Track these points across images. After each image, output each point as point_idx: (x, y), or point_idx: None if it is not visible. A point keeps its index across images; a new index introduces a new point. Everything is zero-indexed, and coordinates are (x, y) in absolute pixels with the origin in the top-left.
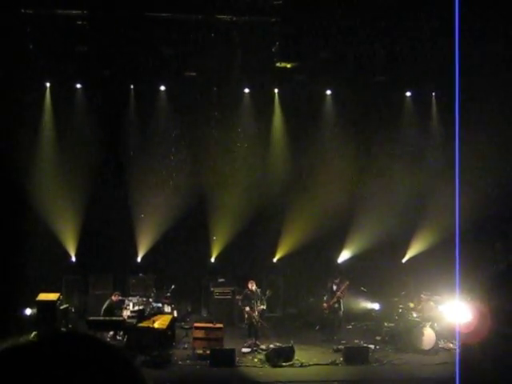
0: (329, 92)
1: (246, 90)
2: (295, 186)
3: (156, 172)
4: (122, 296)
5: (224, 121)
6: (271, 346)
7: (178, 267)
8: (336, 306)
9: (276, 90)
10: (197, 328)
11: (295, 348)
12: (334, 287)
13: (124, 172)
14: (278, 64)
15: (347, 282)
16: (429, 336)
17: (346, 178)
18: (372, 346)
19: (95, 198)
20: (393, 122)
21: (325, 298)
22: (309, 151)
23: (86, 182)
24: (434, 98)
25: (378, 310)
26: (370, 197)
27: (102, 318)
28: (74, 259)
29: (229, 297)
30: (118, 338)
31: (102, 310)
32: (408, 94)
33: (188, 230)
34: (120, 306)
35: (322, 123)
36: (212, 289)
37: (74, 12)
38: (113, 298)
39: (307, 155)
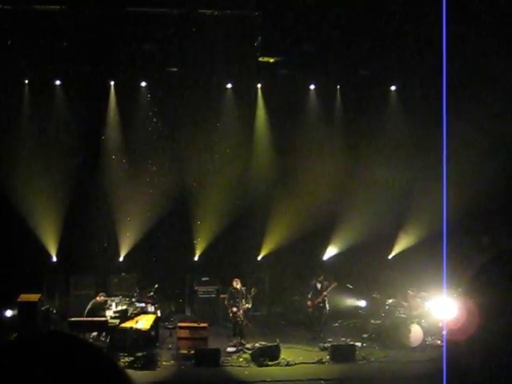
0: (312, 86)
1: (229, 86)
2: (280, 183)
3: (137, 169)
4: (105, 296)
5: (207, 117)
6: (257, 345)
7: (161, 266)
8: (321, 304)
9: (259, 85)
10: (181, 328)
11: (281, 347)
12: (319, 285)
13: (105, 169)
14: (260, 58)
15: (335, 283)
16: (416, 333)
17: (331, 174)
18: (359, 344)
19: (76, 196)
20: (377, 117)
21: (309, 296)
22: (293, 147)
23: (66, 180)
24: (419, 91)
25: (364, 308)
26: (355, 193)
27: (84, 319)
28: (54, 259)
29: (213, 295)
30: (101, 338)
31: (86, 311)
32: (393, 87)
33: (171, 228)
34: (103, 306)
35: (306, 119)
36: (196, 287)
37: (52, 7)
38: (97, 298)
39: (291, 151)
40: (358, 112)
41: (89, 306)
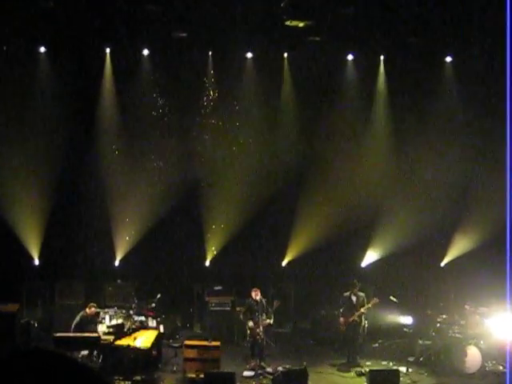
0: (350, 57)
1: (249, 55)
2: (309, 174)
3: (137, 156)
4: (97, 307)
5: (221, 93)
6: (279, 368)
7: (165, 272)
8: (357, 321)
9: (285, 55)
10: (188, 346)
11: (309, 371)
12: (354, 298)
13: (98, 155)
14: (287, 22)
15: (376, 300)
16: (473, 356)
17: (372, 163)
18: (403, 369)
19: (63, 186)
20: (428, 95)
21: (340, 311)
22: (325, 130)
23: (52, 167)
24: (479, 64)
25: (410, 325)
26: (400, 186)
27: (72, 335)
28: (36, 262)
29: (227, 308)
30: (93, 358)
31: (73, 325)
32: (448, 59)
33: (177, 228)
34: (94, 319)
35: (341, 95)
36: (207, 298)
37: None
38: (87, 310)
39: (323, 135)
40: (405, 88)
41: (77, 319)
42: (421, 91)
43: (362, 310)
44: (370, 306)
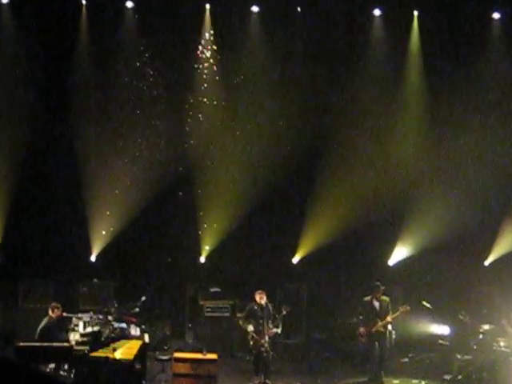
0: (378, 12)
1: (255, 9)
2: (323, 156)
3: (118, 134)
4: (67, 311)
5: (221, 52)
6: None
7: (152, 271)
8: (381, 331)
9: (299, 9)
10: (178, 360)
11: None
12: (376, 304)
13: (72, 129)
14: None
15: (406, 307)
16: None
17: (401, 142)
18: None
19: (29, 166)
20: (472, 58)
21: (360, 319)
22: (344, 103)
23: (14, 144)
24: None
25: (447, 336)
26: (436, 170)
27: (38, 344)
28: None
29: (226, 314)
30: (63, 373)
31: (38, 333)
32: (496, 15)
33: (166, 218)
34: (65, 325)
35: (365, 56)
36: (201, 302)
37: None
38: (50, 313)
39: (341, 109)
40: (443, 50)
41: (40, 326)
42: (462, 54)
43: (389, 318)
44: (398, 314)
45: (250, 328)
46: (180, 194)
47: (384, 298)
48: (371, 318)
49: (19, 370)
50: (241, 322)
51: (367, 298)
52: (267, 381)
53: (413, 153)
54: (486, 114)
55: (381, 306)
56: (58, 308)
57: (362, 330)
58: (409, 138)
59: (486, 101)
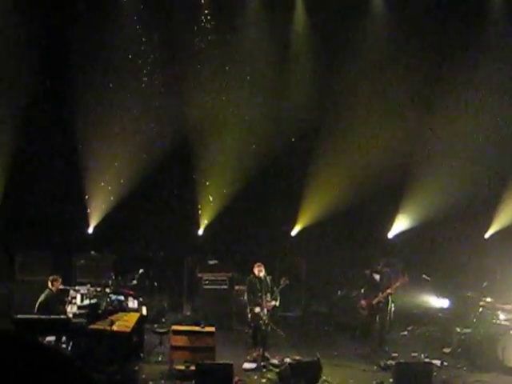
0: None
1: None
2: (324, 126)
3: (117, 102)
4: (65, 284)
5: (220, 26)
6: (287, 360)
7: (149, 242)
8: (381, 304)
9: None
10: (176, 332)
11: (322, 364)
12: (377, 277)
13: (71, 102)
14: None
15: (406, 278)
16: None
17: (400, 115)
18: (437, 362)
19: (26, 138)
20: (471, 33)
21: (361, 291)
22: (345, 71)
23: (12, 112)
24: None
25: (446, 310)
26: (437, 142)
27: (35, 317)
28: None
29: (224, 287)
30: (61, 345)
31: (37, 306)
32: None
33: (164, 189)
34: (62, 298)
35: (365, 26)
36: (200, 275)
37: None
38: (50, 286)
39: (343, 77)
40: (443, 24)
41: (41, 298)
42: (462, 28)
43: (389, 290)
44: (398, 284)
45: (257, 310)
46: (194, 176)
47: (385, 270)
48: (372, 291)
49: (20, 343)
50: (245, 297)
51: (368, 271)
52: (265, 353)
53: (414, 125)
54: (487, 87)
55: (381, 278)
56: (57, 281)
57: (362, 302)
58: (409, 110)
59: (487, 71)
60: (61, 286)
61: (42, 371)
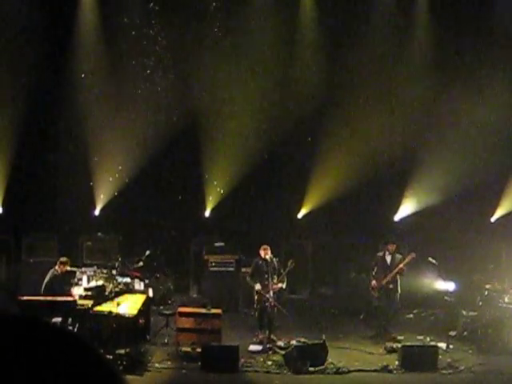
0: None
1: None
2: (332, 107)
3: (124, 87)
4: (71, 265)
5: (225, 10)
6: (293, 342)
7: (156, 224)
8: (391, 285)
9: None
10: (182, 314)
11: (328, 346)
12: (388, 258)
13: (74, 79)
14: None
15: (413, 254)
16: None
17: (409, 96)
18: (443, 345)
19: (32, 121)
20: (480, 20)
21: (373, 273)
22: (353, 53)
23: (17, 94)
24: None
25: (452, 293)
26: (444, 125)
27: (41, 298)
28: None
29: (230, 269)
30: (67, 327)
31: (43, 287)
32: None
33: (171, 169)
34: (68, 279)
35: (373, 15)
36: (206, 257)
37: None
38: (57, 268)
39: (350, 60)
40: (453, 9)
41: (46, 280)
42: (470, 13)
43: (400, 266)
44: (407, 261)
45: (258, 286)
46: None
47: (397, 255)
48: (383, 272)
49: (24, 324)
50: (248, 279)
51: (380, 253)
52: (271, 335)
53: (421, 108)
54: (493, 71)
55: (393, 260)
56: (65, 264)
57: (374, 283)
58: (417, 94)
59: (496, 57)
60: (68, 268)
61: (59, 357)
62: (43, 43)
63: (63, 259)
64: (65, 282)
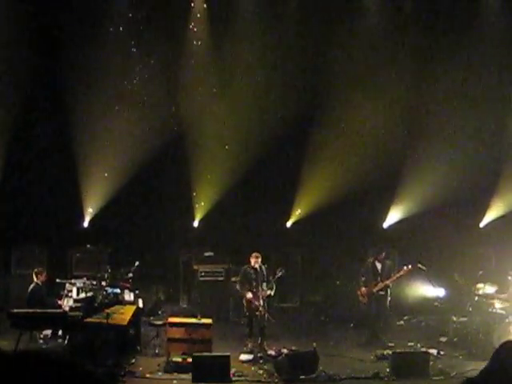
0: None
1: None
2: (318, 115)
3: (111, 94)
4: (61, 277)
5: (214, 13)
6: (284, 350)
7: (145, 235)
8: (382, 292)
9: None
10: (173, 325)
11: (319, 354)
12: (379, 265)
13: (63, 92)
14: None
15: (410, 267)
16: None
17: (396, 102)
18: (433, 351)
19: (20, 129)
20: (468, 19)
21: (362, 280)
22: (339, 60)
23: (7, 107)
24: None
25: (442, 298)
26: (432, 132)
27: (32, 311)
28: None
29: (220, 279)
30: (57, 339)
31: (26, 300)
32: None
33: (160, 180)
34: (52, 290)
35: (360, 14)
36: (195, 267)
37: None
38: (35, 279)
39: (336, 66)
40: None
41: (28, 292)
42: (458, 14)
43: (393, 277)
44: (402, 273)
45: (249, 295)
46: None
47: (387, 262)
48: (373, 279)
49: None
50: (238, 287)
51: (370, 260)
52: (262, 344)
53: (408, 115)
54: (482, 72)
55: (383, 267)
56: (41, 273)
57: (363, 289)
58: (403, 101)
59: (483, 56)
60: (57, 280)
61: None
62: (30, 56)
63: (37, 269)
64: (48, 292)
